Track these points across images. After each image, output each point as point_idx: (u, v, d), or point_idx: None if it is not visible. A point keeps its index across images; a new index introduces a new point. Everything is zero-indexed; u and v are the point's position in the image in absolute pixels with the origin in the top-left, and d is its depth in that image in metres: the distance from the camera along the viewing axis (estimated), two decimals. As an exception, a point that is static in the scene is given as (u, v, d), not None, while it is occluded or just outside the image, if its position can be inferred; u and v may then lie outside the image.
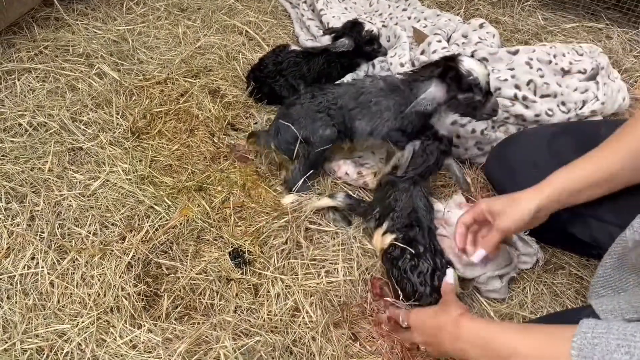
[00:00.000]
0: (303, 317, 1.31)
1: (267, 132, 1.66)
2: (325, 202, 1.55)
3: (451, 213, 1.50)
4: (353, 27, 1.88)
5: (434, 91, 1.42)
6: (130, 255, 1.39)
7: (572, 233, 1.36)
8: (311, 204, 1.54)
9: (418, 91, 1.46)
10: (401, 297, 1.30)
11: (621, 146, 1.15)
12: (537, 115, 1.64)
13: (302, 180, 1.57)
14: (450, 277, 1.25)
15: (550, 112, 1.65)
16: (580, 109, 1.67)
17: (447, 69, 1.42)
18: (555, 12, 2.36)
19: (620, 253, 1.02)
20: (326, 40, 2.11)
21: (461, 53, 1.52)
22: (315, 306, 1.33)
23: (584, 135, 1.39)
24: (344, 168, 1.67)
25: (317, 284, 1.38)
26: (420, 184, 1.50)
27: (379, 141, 1.59)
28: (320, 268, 1.43)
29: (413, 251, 1.32)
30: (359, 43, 1.89)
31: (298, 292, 1.35)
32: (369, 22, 2.02)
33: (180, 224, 1.49)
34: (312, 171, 1.60)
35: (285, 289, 1.37)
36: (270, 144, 1.62)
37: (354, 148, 1.67)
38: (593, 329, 0.85)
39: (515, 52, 1.77)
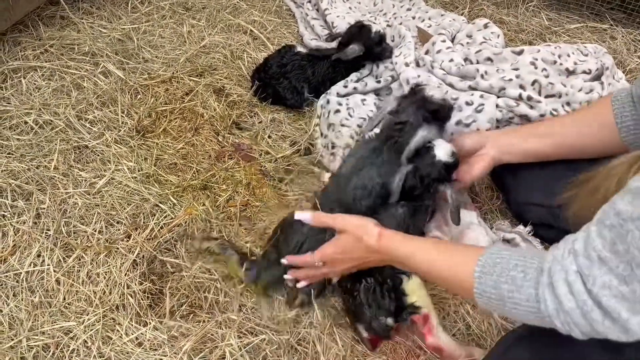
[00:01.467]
0: (309, 316, 1.32)
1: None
2: None
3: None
4: (361, 32, 1.87)
5: (426, 135, 1.38)
6: (136, 254, 1.40)
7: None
8: None
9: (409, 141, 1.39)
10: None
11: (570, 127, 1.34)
12: (541, 116, 1.64)
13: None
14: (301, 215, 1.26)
15: (555, 113, 1.64)
16: (586, 109, 1.67)
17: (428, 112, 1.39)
18: (560, 13, 2.36)
19: None
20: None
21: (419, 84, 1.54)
22: (319, 309, 1.34)
23: None
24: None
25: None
26: (418, 208, 1.41)
27: None
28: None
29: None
30: (369, 46, 1.87)
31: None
32: (373, 22, 2.03)
33: (185, 222, 1.49)
34: None
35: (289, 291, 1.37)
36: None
37: None
38: (499, 251, 0.95)
39: (520, 52, 1.77)
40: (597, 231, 0.77)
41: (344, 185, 1.40)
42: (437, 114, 1.40)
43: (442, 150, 1.37)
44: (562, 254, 0.84)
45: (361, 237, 1.16)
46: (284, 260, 1.29)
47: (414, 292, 1.26)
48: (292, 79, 1.88)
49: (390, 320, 1.23)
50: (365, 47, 1.86)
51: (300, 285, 1.29)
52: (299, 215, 1.26)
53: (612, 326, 0.77)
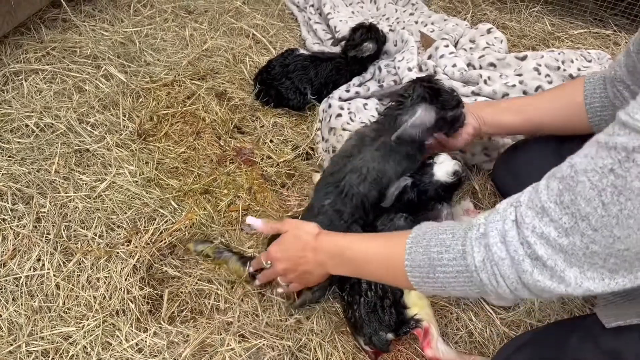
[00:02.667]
0: (310, 323, 1.31)
1: None
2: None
3: (456, 218, 1.49)
4: (370, 30, 1.87)
5: (424, 115, 1.30)
6: (136, 258, 1.39)
7: None
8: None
9: (401, 120, 1.32)
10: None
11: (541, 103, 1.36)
12: (545, 122, 1.64)
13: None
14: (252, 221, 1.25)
15: (558, 119, 1.64)
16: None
17: (431, 92, 1.32)
18: (563, 18, 2.35)
19: None
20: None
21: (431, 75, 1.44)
22: (321, 315, 1.33)
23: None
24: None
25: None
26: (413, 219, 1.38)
27: None
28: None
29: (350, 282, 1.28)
30: (380, 44, 1.91)
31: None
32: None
33: (186, 227, 1.49)
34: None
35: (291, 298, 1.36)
36: None
37: None
38: (428, 225, 0.93)
39: (524, 58, 1.76)
40: (546, 184, 0.75)
41: (340, 167, 1.37)
42: (440, 97, 1.33)
43: (443, 170, 1.34)
44: (503, 207, 0.81)
45: (300, 234, 1.15)
46: (250, 269, 1.31)
47: (415, 304, 1.25)
48: (294, 80, 1.87)
49: (390, 335, 1.22)
50: (377, 45, 1.89)
51: (256, 283, 1.30)
52: (250, 220, 1.25)
53: (541, 278, 0.74)
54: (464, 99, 1.67)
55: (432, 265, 0.87)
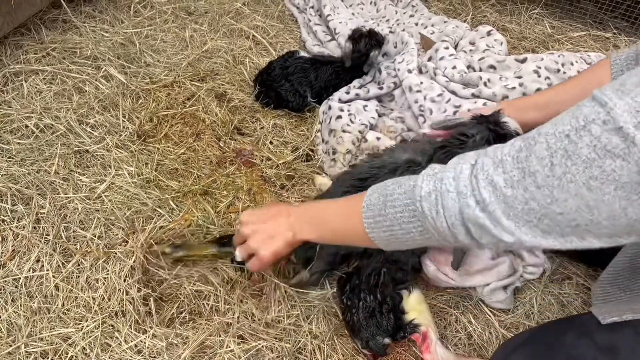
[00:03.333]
0: (310, 325, 1.31)
1: None
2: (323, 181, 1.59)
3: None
4: (371, 37, 1.87)
5: None
6: (133, 259, 1.39)
7: None
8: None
9: None
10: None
11: (570, 87, 1.35)
12: (544, 124, 1.64)
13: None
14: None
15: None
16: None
17: (497, 137, 1.29)
18: (563, 21, 2.36)
19: (632, 253, 1.02)
20: (333, 46, 2.11)
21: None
22: (320, 317, 1.33)
23: None
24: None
25: (322, 296, 1.37)
26: None
27: None
28: (326, 279, 1.42)
29: (350, 284, 1.29)
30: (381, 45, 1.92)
31: (302, 305, 1.35)
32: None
33: (182, 227, 1.48)
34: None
35: (290, 299, 1.36)
36: None
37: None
38: (383, 183, 0.96)
39: (523, 61, 1.76)
40: (512, 141, 0.78)
41: (373, 175, 1.34)
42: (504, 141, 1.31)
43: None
44: (469, 154, 0.84)
45: (278, 204, 1.22)
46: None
47: (414, 308, 1.25)
48: (294, 82, 1.87)
49: (387, 340, 1.22)
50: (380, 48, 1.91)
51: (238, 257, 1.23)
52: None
53: (482, 215, 0.77)
54: (464, 101, 1.68)
55: (385, 201, 0.90)
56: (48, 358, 1.21)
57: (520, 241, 0.76)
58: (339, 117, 1.73)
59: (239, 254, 1.20)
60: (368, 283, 1.27)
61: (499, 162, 0.77)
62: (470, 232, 0.80)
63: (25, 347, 1.22)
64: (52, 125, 1.72)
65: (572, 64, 1.76)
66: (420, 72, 1.86)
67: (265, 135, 1.81)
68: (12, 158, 1.62)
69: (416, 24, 2.22)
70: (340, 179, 1.44)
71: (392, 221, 0.90)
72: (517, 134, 1.31)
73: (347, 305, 1.26)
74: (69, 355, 1.21)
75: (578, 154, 0.67)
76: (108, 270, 1.37)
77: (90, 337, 1.24)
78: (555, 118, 0.73)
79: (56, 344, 1.23)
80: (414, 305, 1.25)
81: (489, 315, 1.36)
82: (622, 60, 1.23)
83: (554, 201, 0.70)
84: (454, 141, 1.33)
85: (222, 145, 1.76)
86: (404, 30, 2.17)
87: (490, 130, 1.30)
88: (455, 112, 1.68)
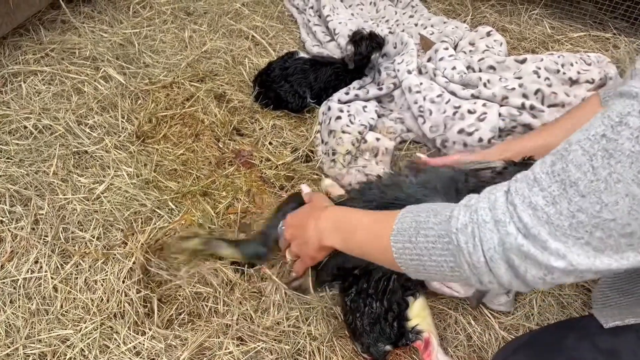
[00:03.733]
0: (308, 327, 1.30)
1: None
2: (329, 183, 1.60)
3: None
4: (372, 39, 1.86)
5: None
6: (132, 260, 1.38)
7: None
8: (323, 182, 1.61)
9: None
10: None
11: (561, 124, 1.32)
12: (544, 125, 1.63)
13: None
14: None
15: (557, 122, 1.64)
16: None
17: None
18: (562, 21, 2.35)
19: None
20: (333, 47, 2.10)
21: None
22: (319, 319, 1.32)
23: None
24: (348, 178, 1.65)
25: (322, 297, 1.37)
26: None
27: None
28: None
29: (357, 287, 1.27)
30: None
31: (301, 306, 1.35)
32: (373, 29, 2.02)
33: (180, 227, 1.48)
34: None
35: (290, 301, 1.36)
36: None
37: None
38: (417, 207, 0.91)
39: (523, 61, 1.76)
40: (542, 159, 0.73)
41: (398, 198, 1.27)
42: None
43: None
44: (500, 183, 0.78)
45: (313, 204, 1.23)
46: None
47: (417, 314, 1.24)
48: (293, 83, 1.87)
49: (389, 347, 1.21)
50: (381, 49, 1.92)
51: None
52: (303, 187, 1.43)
53: (525, 242, 0.70)
54: (463, 102, 1.68)
55: (417, 228, 0.85)
56: (46, 360, 1.21)
57: (572, 265, 0.68)
58: (339, 117, 1.73)
59: (288, 258, 1.29)
60: (376, 289, 1.25)
61: (533, 181, 0.71)
62: (513, 266, 0.73)
63: (23, 349, 1.22)
64: (51, 126, 1.72)
65: (571, 64, 1.76)
66: (420, 72, 1.86)
67: (265, 136, 1.81)
68: (11, 159, 1.61)
69: (416, 25, 2.21)
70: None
71: (422, 251, 0.84)
72: None
73: (350, 309, 1.25)
74: (67, 357, 1.21)
75: (620, 150, 0.62)
76: (107, 272, 1.37)
77: (88, 338, 1.24)
78: (583, 126, 0.69)
79: (55, 346, 1.23)
80: (418, 312, 1.24)
81: (489, 317, 1.36)
82: (607, 93, 1.24)
83: (604, 207, 0.64)
84: (486, 177, 1.25)
85: (221, 146, 1.75)
86: (403, 30, 2.17)
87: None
88: (454, 113, 1.67)
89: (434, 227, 0.82)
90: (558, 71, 1.71)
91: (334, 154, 1.68)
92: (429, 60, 1.92)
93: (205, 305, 1.34)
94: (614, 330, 0.92)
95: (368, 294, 1.24)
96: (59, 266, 1.38)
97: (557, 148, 0.71)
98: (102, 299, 1.32)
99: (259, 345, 1.25)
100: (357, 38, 1.86)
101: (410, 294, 1.26)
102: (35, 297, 1.32)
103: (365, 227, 1.00)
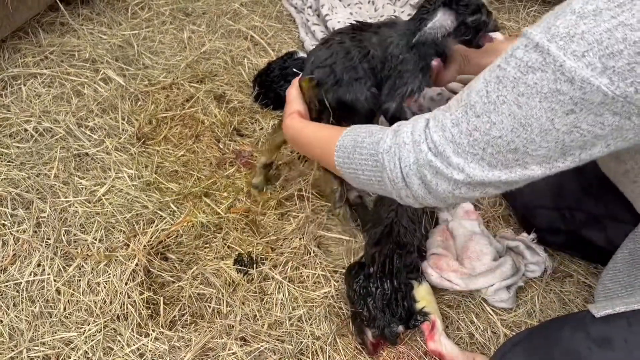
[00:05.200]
0: (311, 326, 1.31)
1: None
2: None
3: (455, 223, 1.49)
4: None
5: (442, 18, 1.30)
6: (135, 262, 1.39)
7: (587, 236, 1.36)
8: None
9: (423, 25, 1.32)
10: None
11: None
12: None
13: None
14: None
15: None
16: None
17: None
18: (561, 17, 2.36)
19: (632, 248, 1.04)
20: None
21: None
22: (322, 318, 1.33)
23: None
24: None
25: (325, 295, 1.38)
26: None
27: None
28: (329, 277, 1.42)
29: (364, 273, 1.30)
30: None
31: (304, 304, 1.35)
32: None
33: (184, 229, 1.48)
34: None
35: (293, 300, 1.36)
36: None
37: None
38: (359, 126, 1.04)
39: (522, 58, 1.76)
40: (460, 91, 0.87)
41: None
42: (460, 1, 1.31)
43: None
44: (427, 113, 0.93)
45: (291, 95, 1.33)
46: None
47: (424, 297, 1.28)
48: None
49: (401, 328, 1.25)
50: None
51: None
52: None
53: (434, 159, 0.83)
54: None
55: (355, 146, 0.98)
56: (50, 362, 1.21)
57: (469, 177, 0.81)
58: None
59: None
60: (384, 270, 1.29)
61: (447, 107, 0.86)
62: (425, 181, 0.86)
63: (27, 352, 1.22)
64: (52, 128, 1.72)
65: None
66: (419, 71, 1.86)
67: (265, 136, 1.81)
68: (12, 162, 1.62)
69: (414, 23, 2.21)
70: None
71: (357, 166, 0.98)
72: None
73: (360, 295, 1.27)
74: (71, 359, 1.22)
75: (507, 76, 0.75)
76: (109, 274, 1.37)
77: (92, 340, 1.25)
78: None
79: (58, 349, 1.23)
80: (424, 295, 1.29)
81: (491, 315, 1.36)
82: None
83: (492, 125, 0.77)
84: (417, 11, 1.35)
85: (221, 146, 1.75)
86: (402, 29, 2.17)
87: None
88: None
89: (367, 147, 0.95)
90: (557, 68, 1.71)
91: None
92: (428, 58, 1.92)
93: (208, 306, 1.34)
94: (606, 318, 0.93)
95: (377, 276, 1.27)
96: (62, 269, 1.38)
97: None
98: (105, 301, 1.32)
99: (262, 346, 1.26)
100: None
101: (413, 278, 1.31)
102: (38, 300, 1.32)
103: (317, 143, 1.15)
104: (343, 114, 1.40)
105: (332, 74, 1.35)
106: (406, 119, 1.40)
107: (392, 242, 1.36)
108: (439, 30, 1.31)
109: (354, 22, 1.44)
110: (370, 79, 1.38)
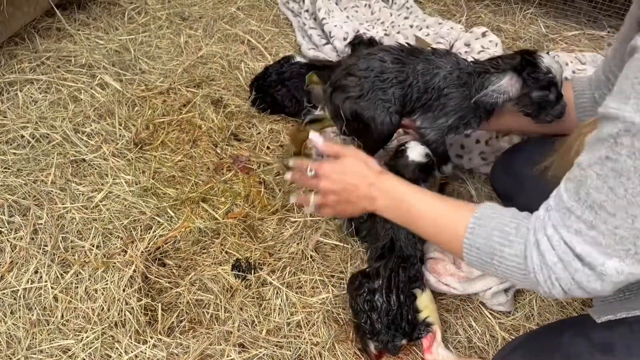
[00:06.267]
0: (310, 332, 1.30)
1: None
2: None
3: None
4: (372, 44, 1.83)
5: (506, 84, 1.26)
6: (132, 269, 1.38)
7: None
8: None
9: (487, 83, 1.28)
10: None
11: None
12: (541, 125, 1.64)
13: None
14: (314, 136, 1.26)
15: (554, 122, 1.64)
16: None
17: (526, 63, 1.27)
18: (557, 20, 2.36)
19: None
20: (329, 50, 2.11)
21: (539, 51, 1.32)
22: (321, 323, 1.33)
23: None
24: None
25: (323, 300, 1.37)
26: None
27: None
28: (327, 283, 1.42)
29: (368, 286, 1.28)
30: None
31: (302, 310, 1.35)
32: (369, 31, 2.02)
33: (181, 235, 1.48)
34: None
35: (291, 305, 1.36)
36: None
37: None
38: (493, 207, 0.97)
39: (519, 62, 1.76)
40: (564, 186, 0.82)
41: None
42: (533, 72, 1.27)
43: (415, 152, 1.40)
44: (542, 213, 0.87)
45: (363, 164, 1.15)
46: (290, 162, 1.28)
47: (427, 306, 1.28)
48: (290, 87, 1.87)
49: (404, 341, 1.24)
50: None
51: (286, 177, 1.27)
52: (312, 135, 1.25)
53: (590, 272, 0.79)
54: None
55: (492, 253, 0.91)
56: (48, 370, 1.21)
57: (632, 274, 0.77)
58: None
59: (313, 204, 1.21)
60: (390, 285, 1.27)
61: (567, 211, 0.80)
62: (586, 289, 0.81)
63: (25, 360, 1.22)
64: (48, 134, 1.72)
65: (567, 64, 1.76)
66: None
67: (262, 140, 1.81)
68: (9, 169, 1.61)
69: (411, 26, 2.22)
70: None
71: (497, 269, 0.92)
72: (549, 72, 1.27)
73: (365, 309, 1.25)
74: (69, 367, 1.21)
75: (625, 167, 0.71)
76: (107, 280, 1.37)
77: (90, 348, 1.24)
78: (585, 149, 0.79)
79: (56, 356, 1.23)
80: (427, 304, 1.28)
81: (489, 318, 1.36)
82: (584, 82, 1.29)
83: (635, 219, 0.73)
84: (486, 65, 1.33)
85: (219, 151, 1.75)
86: (399, 32, 2.17)
87: (522, 58, 1.28)
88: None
89: (509, 257, 0.89)
90: (554, 71, 1.71)
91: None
92: (425, 61, 1.93)
93: (206, 312, 1.34)
94: (608, 324, 0.94)
95: (382, 291, 1.26)
96: (59, 276, 1.38)
97: (573, 173, 0.81)
98: (103, 308, 1.32)
99: (260, 352, 1.25)
100: (356, 41, 1.87)
101: (416, 287, 1.30)
102: (35, 308, 1.32)
103: (431, 217, 1.05)
104: (356, 128, 1.40)
105: (359, 86, 1.35)
106: (446, 150, 1.41)
107: (396, 256, 1.34)
108: (501, 95, 1.27)
109: (406, 44, 1.42)
110: (396, 105, 1.36)
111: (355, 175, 1.14)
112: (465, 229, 0.95)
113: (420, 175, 1.40)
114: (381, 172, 1.14)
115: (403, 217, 1.10)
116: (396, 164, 1.42)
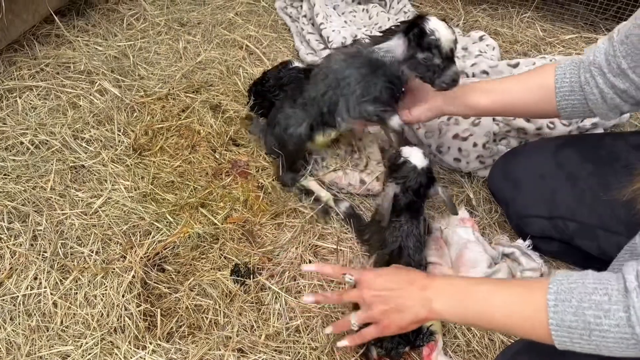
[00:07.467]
0: (309, 336, 1.31)
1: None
2: (316, 188, 1.65)
3: (449, 230, 1.49)
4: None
5: (394, 44, 1.36)
6: (132, 274, 1.39)
7: (579, 245, 1.37)
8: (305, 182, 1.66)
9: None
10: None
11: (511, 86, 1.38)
12: (538, 129, 1.65)
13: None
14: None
15: (551, 125, 1.65)
16: (582, 121, 1.67)
17: (412, 26, 1.34)
18: (554, 24, 2.37)
19: (628, 259, 1.03)
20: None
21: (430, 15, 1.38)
22: (319, 328, 1.33)
23: (588, 146, 1.41)
24: (346, 179, 1.66)
25: (322, 305, 1.37)
26: (417, 218, 1.41)
27: (358, 121, 1.52)
28: (326, 287, 1.42)
29: None
30: None
31: (301, 315, 1.35)
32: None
33: (180, 240, 1.49)
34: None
35: (290, 310, 1.36)
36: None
37: (342, 135, 1.68)
38: (568, 277, 0.87)
39: (516, 65, 1.77)
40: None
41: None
42: (420, 37, 1.33)
43: (417, 157, 1.40)
44: (634, 274, 0.80)
45: (406, 269, 1.10)
46: (310, 267, 1.21)
47: None
48: (288, 92, 1.87)
49: (408, 349, 1.23)
50: None
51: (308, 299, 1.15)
52: (305, 267, 1.23)
53: None
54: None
55: (589, 328, 0.82)
56: (48, 376, 1.21)
57: None
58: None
59: (355, 322, 1.07)
60: None
61: None
62: None
63: (24, 366, 1.22)
64: (47, 141, 1.72)
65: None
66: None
67: (260, 145, 1.81)
68: (8, 175, 1.62)
69: (408, 31, 2.22)
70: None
71: (599, 345, 0.83)
72: (436, 38, 1.31)
73: None
74: (68, 374, 1.21)
75: None
76: (106, 286, 1.37)
77: (89, 354, 1.25)
78: None
79: (55, 362, 1.23)
80: None
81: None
82: (567, 65, 1.27)
83: None
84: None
85: (217, 156, 1.76)
86: (396, 37, 2.18)
87: (414, 24, 1.34)
88: (449, 119, 1.68)
89: (611, 329, 0.81)
90: (550, 74, 1.72)
91: (323, 159, 1.70)
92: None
93: (205, 317, 1.34)
94: None
95: None
96: (59, 282, 1.38)
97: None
98: (102, 314, 1.32)
99: (259, 357, 1.26)
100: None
101: None
102: (35, 314, 1.32)
103: (503, 309, 0.92)
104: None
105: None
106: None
107: (404, 262, 1.33)
108: (389, 55, 1.38)
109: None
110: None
111: (402, 280, 1.03)
112: (545, 309, 0.85)
113: (432, 177, 1.42)
114: (427, 275, 1.04)
115: (470, 314, 0.96)
116: (401, 176, 1.39)
